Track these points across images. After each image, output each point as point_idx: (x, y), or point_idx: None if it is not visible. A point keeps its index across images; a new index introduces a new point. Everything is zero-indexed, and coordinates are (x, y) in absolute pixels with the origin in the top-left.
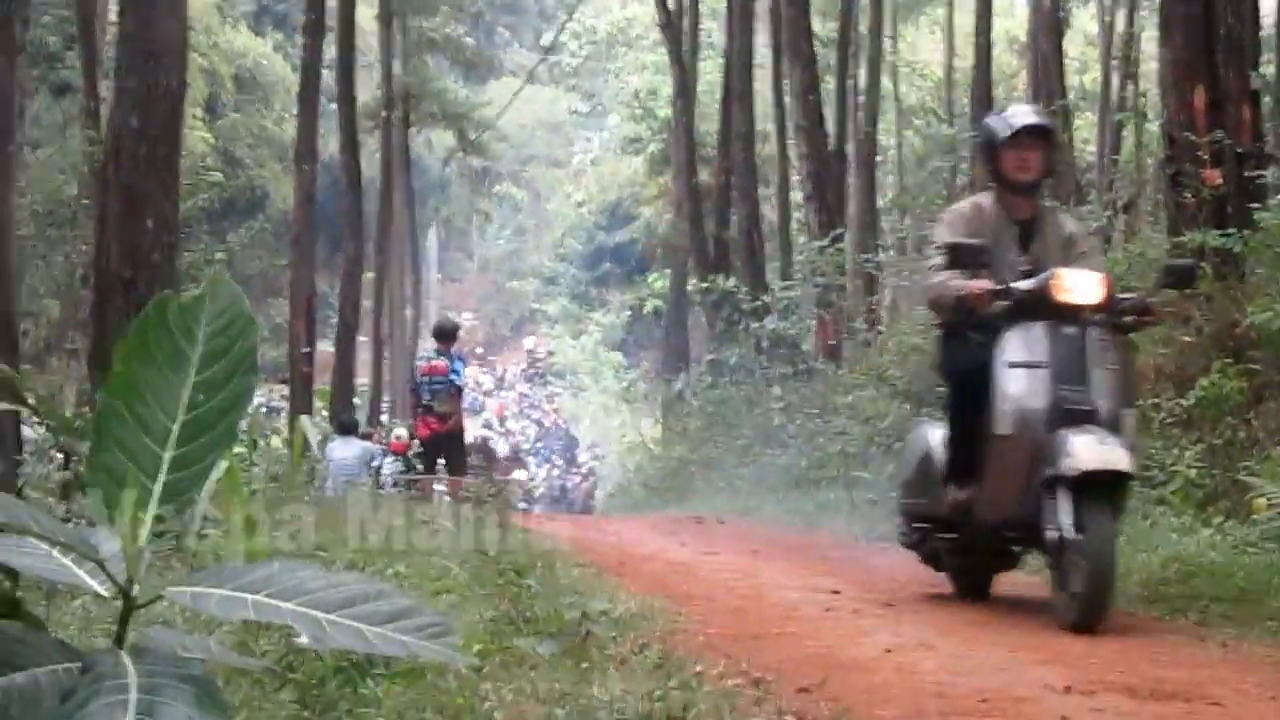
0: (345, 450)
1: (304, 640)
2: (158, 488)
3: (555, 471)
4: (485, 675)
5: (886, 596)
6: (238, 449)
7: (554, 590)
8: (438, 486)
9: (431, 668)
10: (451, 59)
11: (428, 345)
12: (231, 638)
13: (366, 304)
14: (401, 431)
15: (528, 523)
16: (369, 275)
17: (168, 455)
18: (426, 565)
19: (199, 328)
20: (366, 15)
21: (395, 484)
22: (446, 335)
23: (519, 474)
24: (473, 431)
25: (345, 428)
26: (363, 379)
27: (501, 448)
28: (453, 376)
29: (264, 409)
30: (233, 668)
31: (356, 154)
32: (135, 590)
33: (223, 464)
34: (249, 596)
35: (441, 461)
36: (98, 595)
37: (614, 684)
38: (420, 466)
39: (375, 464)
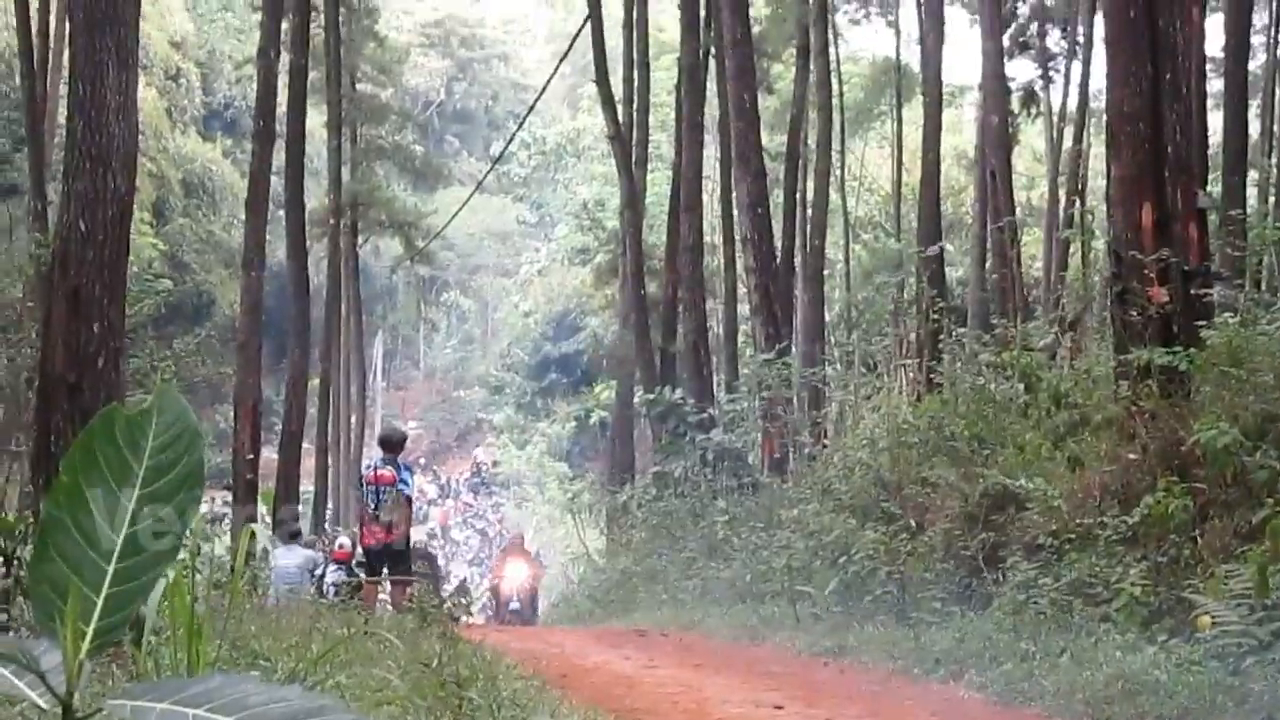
0: (288, 558)
1: None
2: (100, 600)
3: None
4: None
5: (830, 712)
6: (181, 555)
7: (496, 703)
8: (381, 596)
9: None
10: (400, 168)
11: (374, 453)
12: None
13: (312, 411)
14: (344, 540)
15: (470, 633)
16: (315, 382)
17: (111, 568)
18: (368, 676)
19: (145, 441)
20: (316, 123)
21: (338, 593)
22: (393, 444)
23: (515, 565)
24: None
25: (288, 535)
26: (307, 486)
27: (441, 556)
28: (401, 486)
29: (209, 517)
30: None
31: (304, 261)
32: (75, 702)
33: (167, 573)
34: (189, 711)
35: (385, 571)
36: (37, 706)
37: None
38: (363, 575)
39: (318, 572)
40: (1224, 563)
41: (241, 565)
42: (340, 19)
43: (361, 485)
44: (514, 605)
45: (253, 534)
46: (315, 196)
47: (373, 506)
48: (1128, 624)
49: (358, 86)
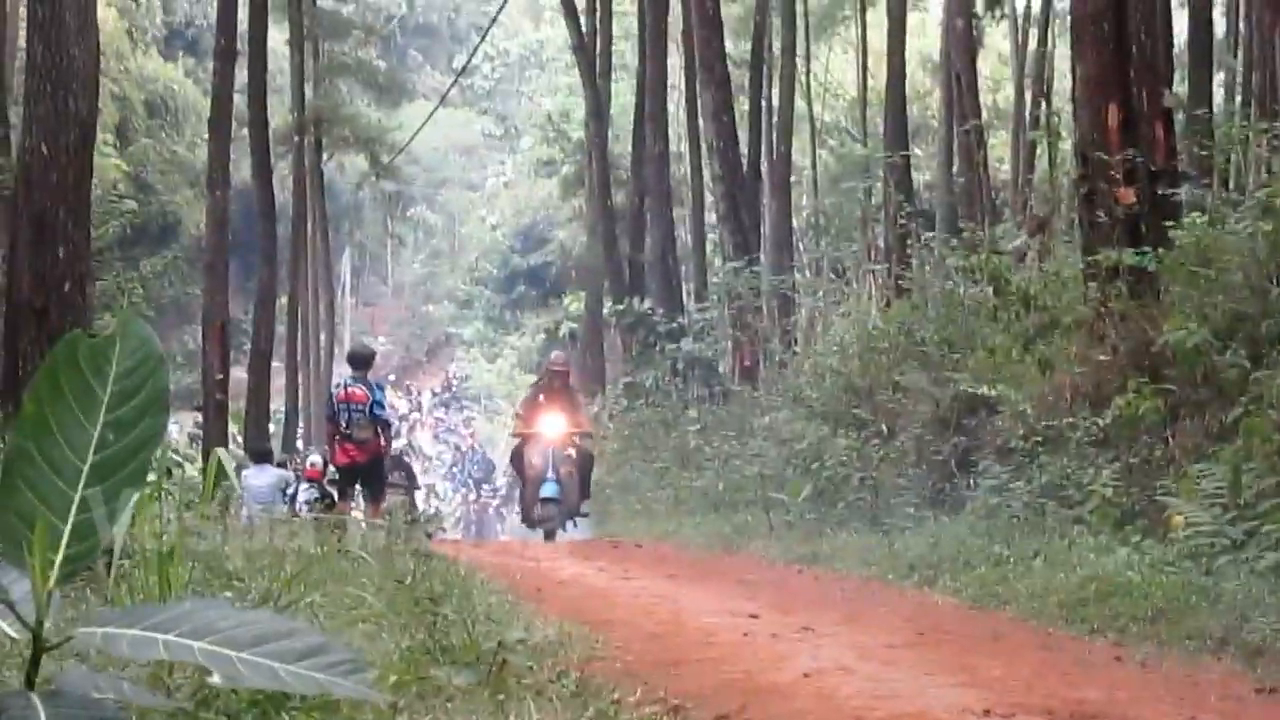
0: (259, 478)
1: (216, 679)
2: (68, 528)
3: (472, 496)
4: (401, 708)
5: (805, 619)
6: (151, 477)
7: (470, 618)
8: (355, 513)
9: (347, 701)
10: (363, 83)
11: (343, 370)
12: (145, 671)
13: (280, 330)
14: (316, 458)
15: (444, 549)
16: (282, 300)
17: (78, 495)
18: (342, 594)
19: (110, 367)
20: (278, 40)
21: (310, 510)
22: (362, 362)
23: (553, 417)
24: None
25: (259, 455)
26: (277, 405)
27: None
28: (377, 411)
29: (175, 436)
30: (146, 707)
31: (269, 179)
32: (46, 631)
33: (135, 497)
34: (160, 636)
35: (359, 488)
36: (8, 635)
37: (530, 714)
38: (335, 494)
39: (290, 491)
40: (1196, 463)
41: (211, 487)
42: None
43: (332, 403)
44: (549, 489)
45: (226, 456)
46: (279, 114)
47: (345, 425)
48: (1100, 525)
49: (319, 1)
